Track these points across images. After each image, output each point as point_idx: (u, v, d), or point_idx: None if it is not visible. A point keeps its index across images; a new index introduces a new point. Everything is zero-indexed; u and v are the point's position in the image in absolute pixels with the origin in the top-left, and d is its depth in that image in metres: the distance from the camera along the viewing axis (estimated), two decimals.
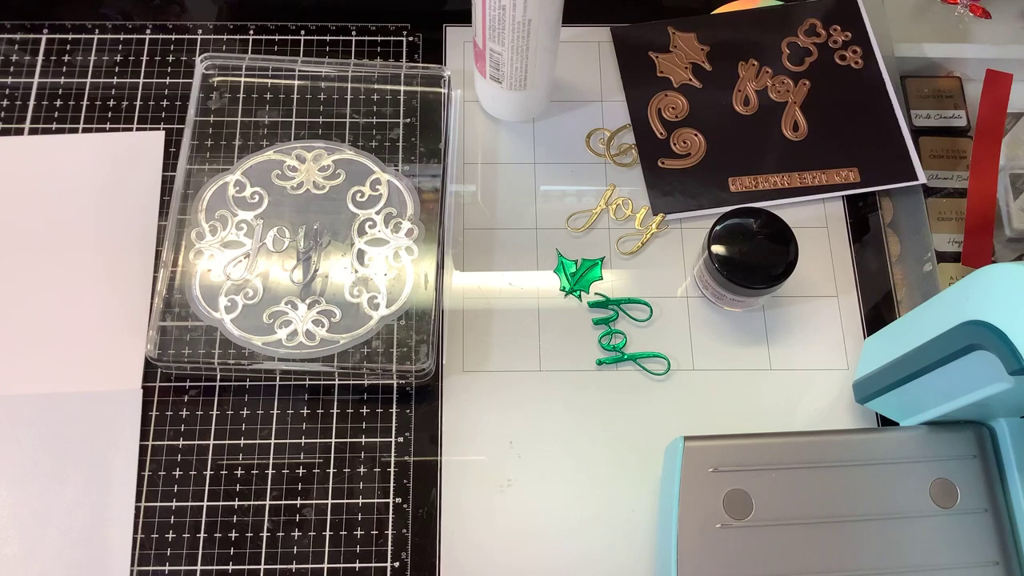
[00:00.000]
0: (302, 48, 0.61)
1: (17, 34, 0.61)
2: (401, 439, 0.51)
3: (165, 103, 0.59)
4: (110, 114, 0.59)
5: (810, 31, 0.63)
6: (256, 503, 0.50)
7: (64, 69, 0.60)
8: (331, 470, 0.50)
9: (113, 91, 0.59)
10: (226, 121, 0.57)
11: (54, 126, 0.58)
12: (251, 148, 0.57)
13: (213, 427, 0.51)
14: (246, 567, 0.48)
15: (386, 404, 0.52)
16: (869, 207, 0.58)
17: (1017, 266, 0.38)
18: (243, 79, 0.59)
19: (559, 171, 0.58)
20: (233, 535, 0.49)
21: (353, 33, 0.62)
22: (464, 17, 0.60)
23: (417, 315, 0.52)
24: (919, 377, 0.45)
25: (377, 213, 0.55)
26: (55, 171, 0.57)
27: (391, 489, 0.50)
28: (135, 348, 0.53)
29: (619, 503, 0.50)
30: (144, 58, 0.60)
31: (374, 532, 0.49)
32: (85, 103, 0.59)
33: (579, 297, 0.55)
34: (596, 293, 0.55)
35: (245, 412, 0.52)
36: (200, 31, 0.61)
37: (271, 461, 0.51)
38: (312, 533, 0.49)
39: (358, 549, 0.49)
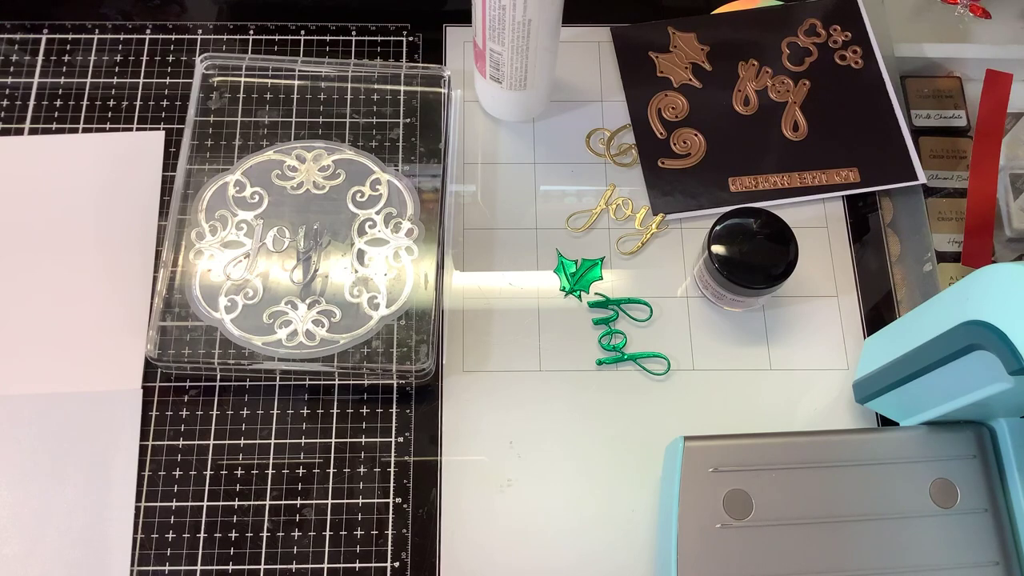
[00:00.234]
0: (302, 48, 0.61)
1: (17, 34, 0.61)
2: (401, 439, 0.51)
3: (165, 103, 0.59)
4: (110, 114, 0.59)
5: (810, 31, 0.63)
6: (256, 503, 0.50)
7: (64, 69, 0.60)
8: (331, 470, 0.50)
9: (113, 91, 0.59)
10: (226, 121, 0.57)
11: (54, 126, 0.58)
12: (251, 148, 0.57)
13: (213, 427, 0.51)
14: (246, 567, 0.48)
15: (386, 404, 0.52)
16: (869, 207, 0.58)
17: (1017, 266, 0.38)
18: (243, 79, 0.59)
19: (559, 171, 0.58)
20: (233, 535, 0.49)
21: (353, 33, 0.62)
22: (464, 17, 0.60)
23: (417, 315, 0.52)
24: (919, 377, 0.45)
25: (377, 213, 0.55)
26: (55, 171, 0.57)
27: (391, 489, 0.50)
28: (135, 348, 0.53)
29: (619, 503, 0.50)
30: (144, 58, 0.60)
31: (374, 532, 0.49)
32: (85, 103, 0.59)
33: (579, 297, 0.55)
34: (596, 293, 0.55)
35: (245, 412, 0.52)
36: (200, 31, 0.61)
37: (271, 461, 0.51)
38: (312, 533, 0.49)
39: (358, 549, 0.49)
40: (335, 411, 0.52)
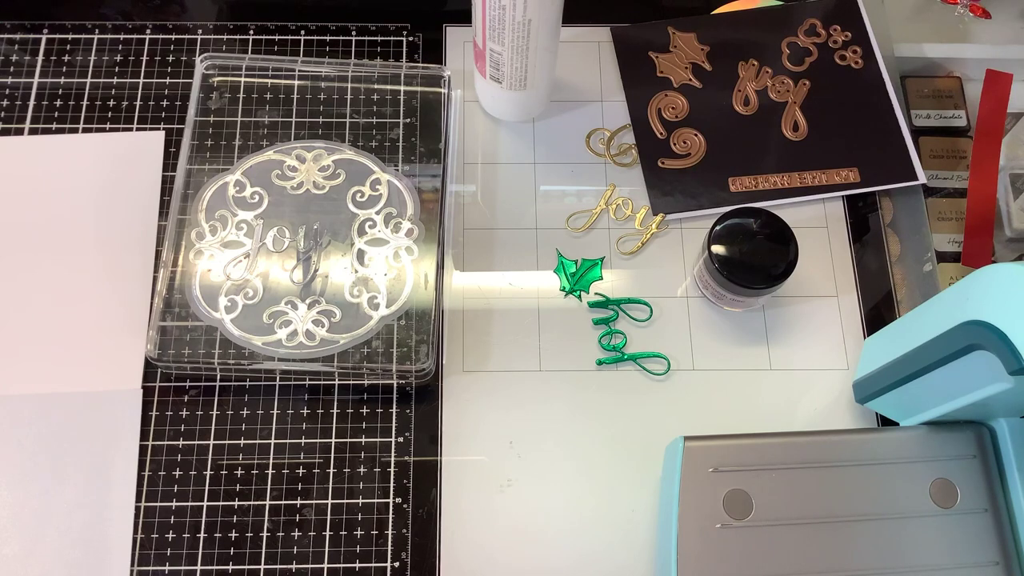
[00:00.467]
0: (302, 48, 0.61)
1: (17, 34, 0.61)
2: (401, 439, 0.51)
3: (165, 103, 0.59)
4: (110, 114, 0.59)
5: (810, 31, 0.63)
6: (256, 503, 0.50)
7: (64, 69, 0.60)
8: (331, 470, 0.50)
9: (113, 91, 0.59)
10: (226, 121, 0.57)
11: (54, 126, 0.58)
12: (251, 148, 0.57)
13: (213, 427, 0.51)
14: (246, 567, 0.48)
15: (386, 404, 0.52)
16: (869, 207, 0.58)
17: (1017, 266, 0.38)
18: (243, 79, 0.59)
19: (559, 171, 0.58)
20: (233, 535, 0.49)
21: (353, 33, 0.62)
22: (464, 17, 0.60)
23: (417, 315, 0.52)
24: (919, 377, 0.45)
25: (377, 213, 0.55)
26: (55, 171, 0.57)
27: (391, 489, 0.50)
28: (135, 348, 0.53)
29: (619, 503, 0.50)
30: (144, 58, 0.60)
31: (374, 532, 0.49)
32: (85, 103, 0.59)
33: (579, 297, 0.55)
34: (596, 293, 0.55)
35: (245, 412, 0.52)
36: (200, 31, 0.61)
37: (271, 461, 0.51)
38: (312, 533, 0.49)
39: (358, 549, 0.49)
40: (335, 411, 0.52)
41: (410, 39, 0.62)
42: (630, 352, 0.53)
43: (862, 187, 0.58)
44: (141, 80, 0.60)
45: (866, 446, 0.46)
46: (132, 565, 0.48)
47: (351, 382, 0.52)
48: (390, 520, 0.50)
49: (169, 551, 0.48)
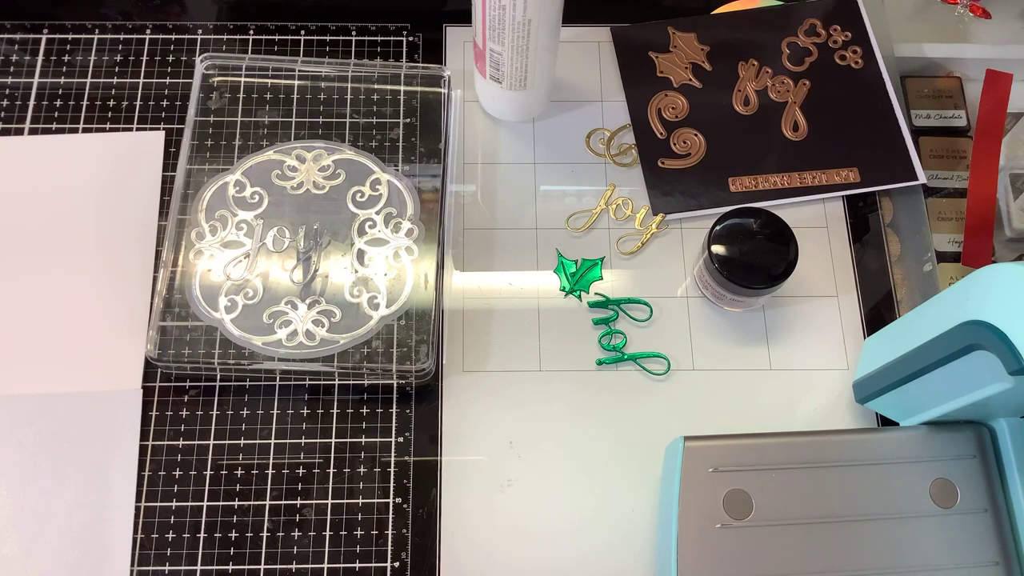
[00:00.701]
0: (302, 48, 0.61)
1: (17, 34, 0.61)
2: (401, 439, 0.51)
3: (165, 103, 0.59)
4: (110, 114, 0.59)
5: (810, 31, 0.63)
6: (256, 503, 0.50)
7: (64, 69, 0.60)
8: (331, 470, 0.50)
9: (113, 91, 0.59)
10: (226, 121, 0.57)
11: (54, 126, 0.58)
12: (251, 148, 0.57)
13: (213, 427, 0.51)
14: (246, 567, 0.48)
15: (386, 404, 0.52)
16: (869, 207, 0.58)
17: (1017, 266, 0.38)
18: (243, 79, 0.59)
19: (559, 171, 0.58)
20: (233, 535, 0.49)
21: (353, 33, 0.62)
22: (464, 17, 0.60)
23: (417, 315, 0.52)
24: (919, 377, 0.45)
25: (377, 213, 0.55)
26: (55, 171, 0.57)
27: (391, 489, 0.50)
28: (135, 348, 0.53)
29: (619, 503, 0.50)
30: (144, 58, 0.60)
31: (374, 532, 0.49)
32: (85, 103, 0.59)
33: (579, 297, 0.55)
34: (596, 293, 0.55)
35: (245, 412, 0.52)
36: (200, 31, 0.61)
37: (271, 461, 0.51)
38: (312, 533, 0.49)
39: (358, 549, 0.49)
40: (335, 411, 0.52)
41: (410, 39, 0.62)
42: (630, 352, 0.53)
43: (862, 187, 0.58)
44: (141, 80, 0.60)
45: (866, 446, 0.46)
46: (132, 565, 0.48)
47: (351, 382, 0.52)
48: (390, 520, 0.50)
49: (169, 551, 0.48)
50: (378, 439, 0.51)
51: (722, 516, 0.44)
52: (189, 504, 0.50)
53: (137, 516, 0.49)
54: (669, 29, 0.63)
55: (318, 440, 0.51)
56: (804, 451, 0.46)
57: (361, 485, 0.50)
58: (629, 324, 0.54)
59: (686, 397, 0.53)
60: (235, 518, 0.49)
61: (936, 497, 0.45)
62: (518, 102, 0.58)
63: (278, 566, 0.48)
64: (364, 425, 0.52)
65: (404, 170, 0.57)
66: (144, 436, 0.51)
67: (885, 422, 0.52)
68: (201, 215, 0.54)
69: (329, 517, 0.49)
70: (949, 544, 0.44)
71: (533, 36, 0.51)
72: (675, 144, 0.59)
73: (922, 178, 0.58)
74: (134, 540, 0.49)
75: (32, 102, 0.59)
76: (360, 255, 0.54)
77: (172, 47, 0.61)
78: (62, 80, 0.59)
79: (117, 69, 0.60)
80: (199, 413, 0.52)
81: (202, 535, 0.49)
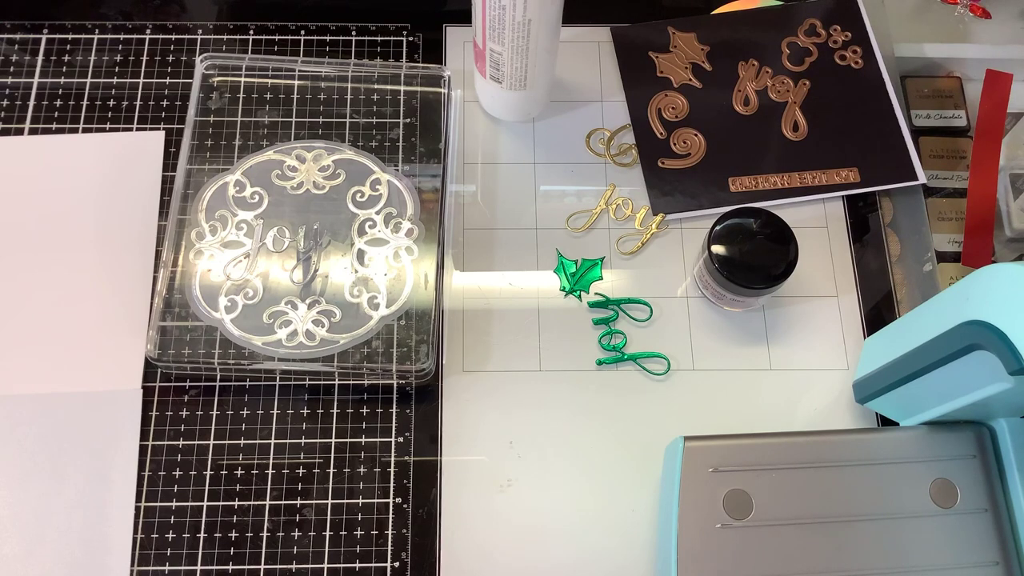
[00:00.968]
0: (302, 48, 0.61)
1: (17, 34, 0.61)
2: (401, 439, 0.51)
3: (165, 103, 0.59)
4: (110, 114, 0.59)
5: (810, 31, 0.63)
6: (256, 503, 0.50)
7: (64, 69, 0.60)
8: (331, 470, 0.50)
9: (113, 91, 0.59)
10: (226, 121, 0.57)
11: (54, 126, 0.58)
12: (251, 148, 0.57)
13: (213, 427, 0.51)
14: (246, 567, 0.48)
15: (386, 404, 0.52)
16: (869, 207, 0.58)
17: (1017, 266, 0.38)
18: (243, 79, 0.59)
19: (559, 171, 0.58)
20: (233, 535, 0.49)
21: (353, 33, 0.62)
22: (464, 17, 0.60)
23: (417, 315, 0.52)
24: (919, 377, 0.45)
25: (377, 213, 0.55)
26: (55, 171, 0.57)
27: (391, 489, 0.50)
28: (135, 348, 0.53)
29: (619, 503, 0.50)
30: (144, 58, 0.60)
31: (374, 532, 0.49)
32: (85, 103, 0.59)
33: (579, 297, 0.55)
34: (596, 293, 0.55)
35: (245, 412, 0.52)
36: (200, 31, 0.61)
37: (271, 461, 0.51)
38: (312, 533, 0.49)
39: (358, 549, 0.49)
40: (335, 411, 0.52)
41: (410, 39, 0.62)
42: (630, 352, 0.53)
43: (862, 187, 0.58)
44: (141, 80, 0.60)
45: (866, 446, 0.46)
46: (132, 565, 0.48)
47: (351, 382, 0.52)
48: (390, 520, 0.50)
49: (169, 551, 0.49)
50: (378, 439, 0.51)
51: (722, 516, 0.44)
52: (189, 504, 0.50)
53: (137, 516, 0.49)
54: (669, 29, 0.63)
55: (318, 440, 0.51)
56: (804, 451, 0.46)
57: (361, 485, 0.50)
58: (629, 324, 0.54)
59: (686, 397, 0.53)
60: (235, 518, 0.49)
61: (936, 497, 0.45)
62: (518, 102, 0.58)
63: (278, 566, 0.48)
64: (364, 425, 0.52)
65: (404, 170, 0.57)
66: (144, 436, 0.51)
67: (885, 422, 0.52)
68: (201, 215, 0.54)
69: (329, 517, 0.49)
70: (949, 544, 0.45)
71: (533, 36, 0.51)
72: (675, 144, 0.59)
73: (922, 178, 0.58)
74: (134, 540, 0.49)
75: (32, 102, 0.59)
76: (360, 255, 0.54)
77: (172, 47, 0.61)
78: (62, 80, 0.59)
79: (117, 69, 0.60)
80: (199, 413, 0.52)
81: (202, 535, 0.49)
